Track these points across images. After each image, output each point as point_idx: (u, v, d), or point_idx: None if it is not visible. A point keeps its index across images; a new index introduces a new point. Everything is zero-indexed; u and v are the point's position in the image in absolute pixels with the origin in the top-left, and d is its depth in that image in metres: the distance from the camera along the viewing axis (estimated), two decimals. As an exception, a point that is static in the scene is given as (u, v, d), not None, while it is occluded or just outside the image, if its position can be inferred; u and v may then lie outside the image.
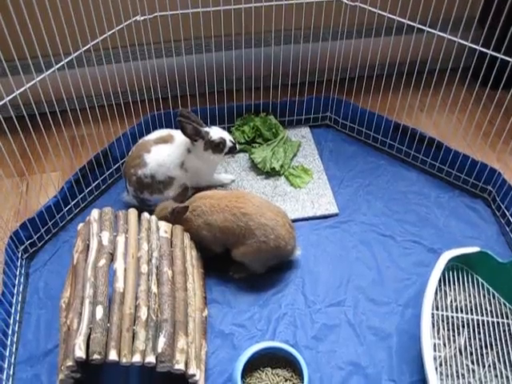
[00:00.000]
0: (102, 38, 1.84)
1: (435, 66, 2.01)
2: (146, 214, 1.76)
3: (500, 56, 1.83)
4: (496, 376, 1.60)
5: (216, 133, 2.02)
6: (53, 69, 1.75)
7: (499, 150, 2.20)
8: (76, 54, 1.79)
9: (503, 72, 1.85)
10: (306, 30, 2.22)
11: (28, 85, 1.69)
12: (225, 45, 2.17)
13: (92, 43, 1.82)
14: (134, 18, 1.94)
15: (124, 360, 1.39)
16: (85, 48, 1.81)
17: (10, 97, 1.66)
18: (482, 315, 1.74)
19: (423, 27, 1.95)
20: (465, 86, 2.04)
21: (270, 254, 1.85)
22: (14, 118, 1.71)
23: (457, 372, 1.59)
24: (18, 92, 1.67)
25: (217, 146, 2.02)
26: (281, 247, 1.84)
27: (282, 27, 2.18)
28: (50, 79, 1.75)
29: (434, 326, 1.69)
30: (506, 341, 1.67)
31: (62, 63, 1.76)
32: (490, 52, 1.86)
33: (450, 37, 1.90)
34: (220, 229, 1.82)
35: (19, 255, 1.92)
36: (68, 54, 1.78)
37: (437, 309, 1.74)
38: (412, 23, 1.97)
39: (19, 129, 1.75)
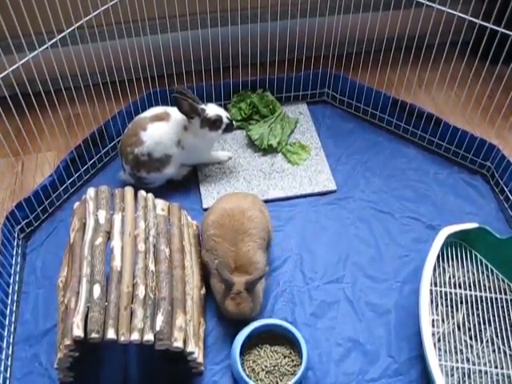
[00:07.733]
0: (95, 13, 1.80)
1: (434, 40, 1.98)
2: (142, 192, 1.75)
3: (500, 30, 1.80)
4: (494, 351, 1.61)
5: (212, 110, 2.00)
6: (45, 46, 1.70)
7: (498, 125, 2.18)
8: (69, 31, 1.76)
9: (503, 46, 1.82)
10: (303, 5, 2.19)
11: (20, 62, 1.66)
12: (221, 21, 2.14)
13: (85, 19, 1.78)
14: (127, -7, 1.90)
15: (122, 338, 1.38)
16: (78, 24, 1.77)
17: (3, 74, 1.63)
18: (481, 291, 1.74)
19: (422, 1, 1.92)
20: (464, 61, 2.01)
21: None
22: (7, 97, 1.68)
23: (455, 348, 1.60)
24: (11, 69, 1.64)
25: (213, 124, 2.00)
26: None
27: (278, 2, 2.14)
28: (44, 57, 1.72)
29: (432, 302, 1.69)
30: (503, 316, 1.68)
31: (54, 40, 1.72)
32: (490, 26, 1.82)
33: (449, 10, 1.87)
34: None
35: (15, 235, 1.92)
36: (61, 31, 1.74)
37: (435, 285, 1.74)
38: (411, -4, 1.94)
39: (13, 108, 1.72)
